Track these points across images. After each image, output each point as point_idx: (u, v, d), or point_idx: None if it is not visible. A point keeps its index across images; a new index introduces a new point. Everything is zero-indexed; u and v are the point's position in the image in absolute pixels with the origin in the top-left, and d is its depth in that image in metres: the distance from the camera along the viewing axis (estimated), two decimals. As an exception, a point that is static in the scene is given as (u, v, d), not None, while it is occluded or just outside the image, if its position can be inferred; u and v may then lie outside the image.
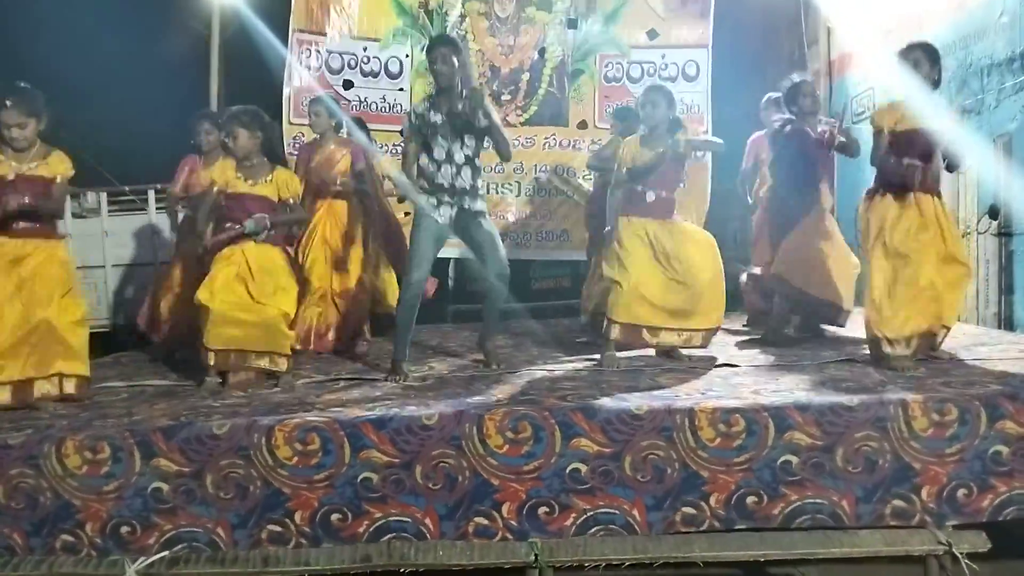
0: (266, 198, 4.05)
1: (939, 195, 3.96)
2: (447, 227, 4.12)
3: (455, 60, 4.02)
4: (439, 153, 4.08)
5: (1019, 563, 3.21)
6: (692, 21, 6.87)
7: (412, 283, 4.07)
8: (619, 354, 4.21)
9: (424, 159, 4.11)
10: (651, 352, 4.34)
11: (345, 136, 5.37)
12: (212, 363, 3.87)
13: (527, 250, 7.03)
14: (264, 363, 3.95)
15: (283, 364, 3.97)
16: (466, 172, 4.10)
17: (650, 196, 4.17)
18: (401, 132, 4.22)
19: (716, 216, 7.17)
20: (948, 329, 3.98)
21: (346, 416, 3.07)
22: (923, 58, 3.87)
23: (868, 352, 4.00)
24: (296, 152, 5.95)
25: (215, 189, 4.02)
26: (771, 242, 5.20)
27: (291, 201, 4.15)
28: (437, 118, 4.06)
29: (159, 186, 6.73)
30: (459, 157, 4.08)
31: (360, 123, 5.75)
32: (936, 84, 3.94)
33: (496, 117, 4.12)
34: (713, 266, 4.19)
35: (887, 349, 3.80)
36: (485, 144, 4.13)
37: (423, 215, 4.10)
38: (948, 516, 2.99)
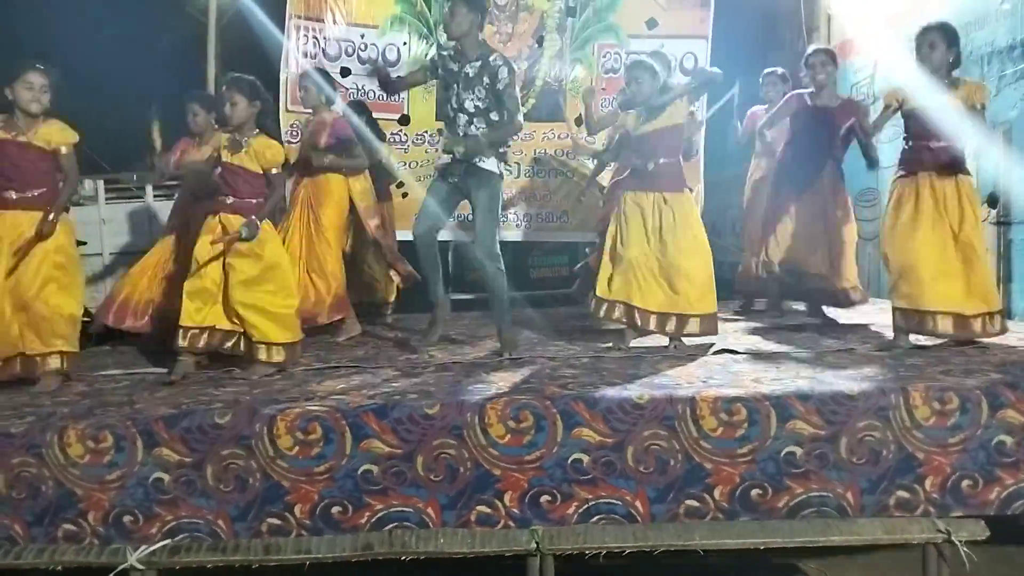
0: (243, 168, 3.94)
1: (958, 174, 3.95)
2: (456, 188, 4.29)
3: (467, 15, 4.13)
4: (454, 101, 4.24)
5: (1018, 550, 3.24)
6: (692, 10, 6.78)
7: (415, 236, 4.35)
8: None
9: (445, 106, 4.32)
10: (653, 339, 4.33)
11: (337, 112, 5.34)
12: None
13: (526, 231, 7.00)
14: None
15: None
16: (478, 122, 4.19)
17: (650, 165, 4.14)
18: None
19: (715, 204, 7.17)
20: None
21: (348, 405, 3.07)
22: (939, 39, 3.87)
23: (868, 341, 4.03)
24: (292, 140, 5.93)
25: (212, 158, 4.03)
26: (764, 222, 5.20)
27: (273, 171, 4.01)
28: (453, 66, 4.22)
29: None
30: (470, 107, 4.20)
31: (361, 107, 5.72)
32: (954, 65, 3.95)
33: (516, 90, 4.26)
34: (705, 250, 4.17)
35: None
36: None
37: (436, 177, 4.37)
38: (952, 508, 2.99)
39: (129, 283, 4.98)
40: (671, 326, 4.13)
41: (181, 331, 3.85)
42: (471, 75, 4.17)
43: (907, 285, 3.93)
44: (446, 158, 4.30)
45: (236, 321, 3.93)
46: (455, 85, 4.22)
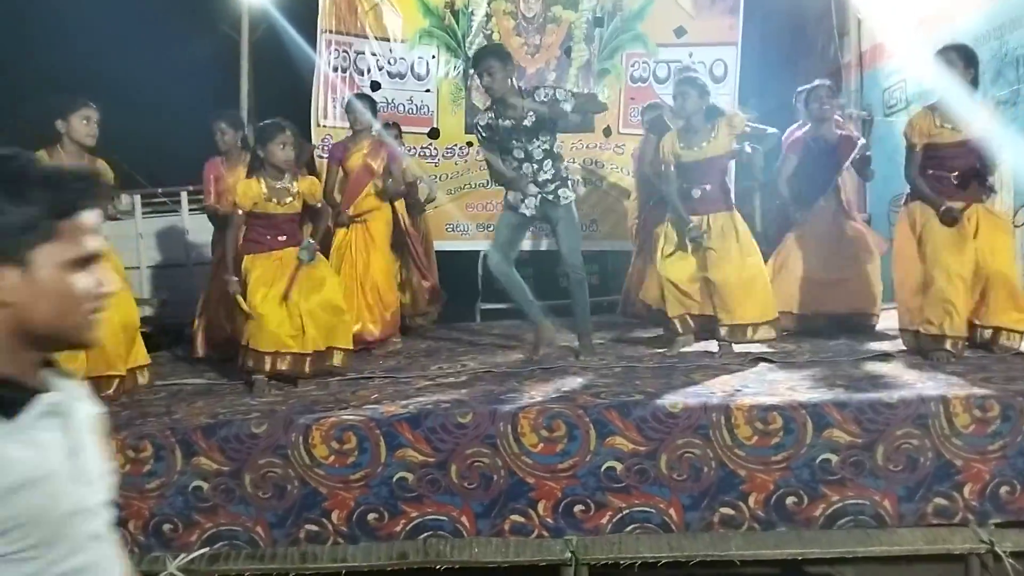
0: (297, 214, 4.12)
1: (983, 200, 3.92)
2: (531, 217, 4.35)
3: (503, 69, 4.11)
4: (518, 153, 4.23)
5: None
6: (721, 17, 6.76)
7: (491, 268, 4.44)
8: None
9: (503, 162, 4.26)
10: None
11: (376, 136, 5.38)
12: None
13: (554, 240, 6.99)
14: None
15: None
16: (547, 165, 4.24)
17: (696, 192, 4.19)
18: (476, 143, 4.45)
19: (741, 213, 7.11)
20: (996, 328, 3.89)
21: (382, 414, 3.09)
22: (957, 59, 3.84)
23: (904, 347, 3.98)
24: (326, 154, 5.98)
25: (239, 212, 4.00)
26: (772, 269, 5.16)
27: (318, 206, 4.20)
28: (507, 123, 4.17)
29: (191, 187, 6.82)
30: (537, 154, 4.21)
31: (396, 127, 5.77)
32: (973, 84, 3.90)
33: (572, 101, 4.22)
34: (753, 262, 4.17)
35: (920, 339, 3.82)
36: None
37: (506, 207, 4.40)
38: (991, 514, 2.95)
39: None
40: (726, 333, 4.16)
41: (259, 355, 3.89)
42: (531, 124, 4.13)
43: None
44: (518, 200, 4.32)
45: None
46: (516, 141, 4.19)
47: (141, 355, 4.03)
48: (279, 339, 3.86)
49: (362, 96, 5.40)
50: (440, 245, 6.43)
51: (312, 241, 4.04)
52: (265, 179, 3.99)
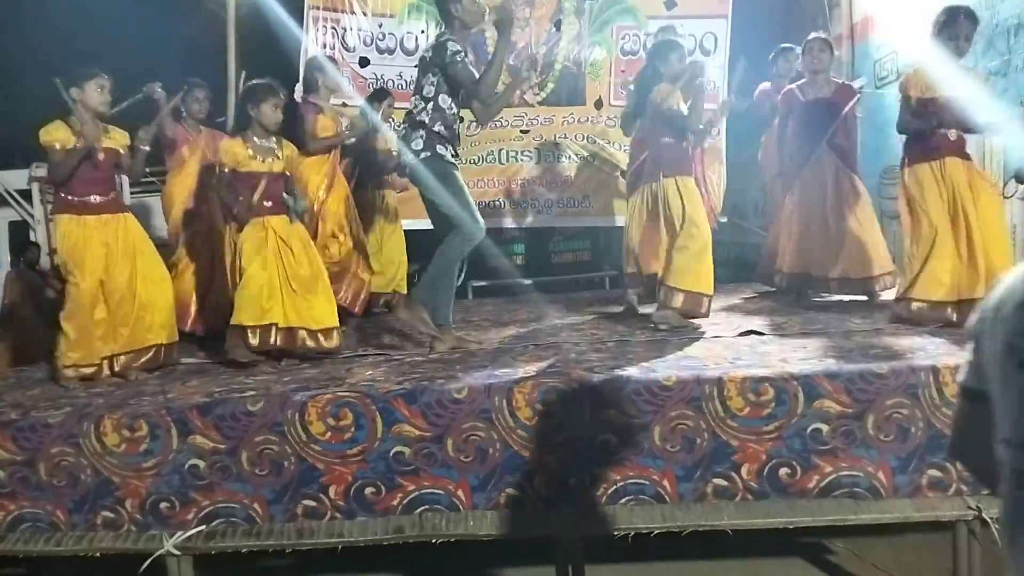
0: (281, 174, 4.11)
1: (969, 158, 3.94)
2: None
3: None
4: (457, 100, 3.97)
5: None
6: (712, -13, 6.75)
7: (476, 237, 3.88)
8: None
9: (445, 102, 3.92)
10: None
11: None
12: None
13: (547, 217, 7.00)
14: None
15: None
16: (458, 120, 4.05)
17: (666, 139, 4.22)
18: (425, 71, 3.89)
19: (736, 186, 7.12)
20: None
21: (377, 390, 3.10)
22: (965, 21, 3.84)
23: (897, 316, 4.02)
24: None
25: (226, 170, 4.01)
26: (773, 230, 5.19)
27: (289, 175, 4.20)
28: (466, 60, 3.90)
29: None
30: (456, 106, 4.00)
31: (386, 94, 5.74)
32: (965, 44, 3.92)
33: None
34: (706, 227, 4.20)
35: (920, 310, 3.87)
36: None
37: (447, 168, 3.92)
38: (984, 485, 2.97)
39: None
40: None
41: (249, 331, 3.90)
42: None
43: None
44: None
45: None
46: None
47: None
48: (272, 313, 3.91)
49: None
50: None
51: (297, 192, 4.10)
52: (250, 139, 4.02)
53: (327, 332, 4.04)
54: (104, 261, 3.82)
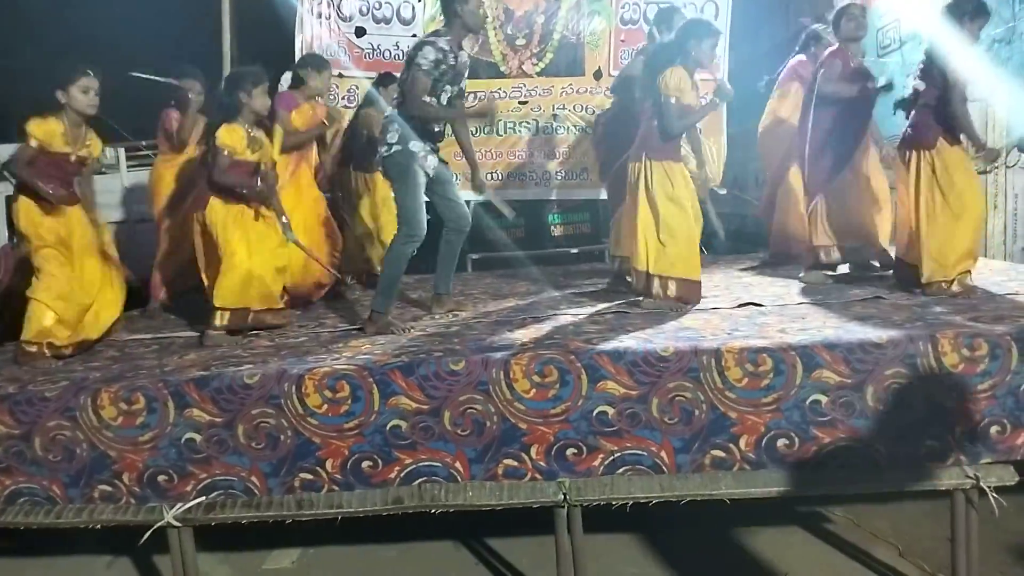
0: (255, 163, 4.13)
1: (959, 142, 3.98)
2: (427, 178, 4.01)
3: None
4: (444, 98, 4.01)
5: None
6: (713, -46, 6.64)
7: (417, 236, 3.93)
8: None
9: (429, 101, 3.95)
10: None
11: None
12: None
13: (546, 189, 6.96)
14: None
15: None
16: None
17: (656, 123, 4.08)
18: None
19: (737, 157, 7.07)
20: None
21: (374, 363, 3.09)
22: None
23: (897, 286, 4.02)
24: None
25: (225, 153, 3.97)
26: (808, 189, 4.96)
27: (264, 167, 4.21)
28: (462, 60, 4.00)
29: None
30: (438, 101, 4.01)
31: (391, 78, 5.66)
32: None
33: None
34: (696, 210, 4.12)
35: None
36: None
37: (412, 165, 3.91)
38: (982, 454, 2.96)
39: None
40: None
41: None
42: (464, 72, 4.10)
43: None
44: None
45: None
46: (450, 85, 4.00)
47: None
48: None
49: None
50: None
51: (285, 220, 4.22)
52: (244, 127, 4.03)
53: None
54: (58, 234, 3.83)
